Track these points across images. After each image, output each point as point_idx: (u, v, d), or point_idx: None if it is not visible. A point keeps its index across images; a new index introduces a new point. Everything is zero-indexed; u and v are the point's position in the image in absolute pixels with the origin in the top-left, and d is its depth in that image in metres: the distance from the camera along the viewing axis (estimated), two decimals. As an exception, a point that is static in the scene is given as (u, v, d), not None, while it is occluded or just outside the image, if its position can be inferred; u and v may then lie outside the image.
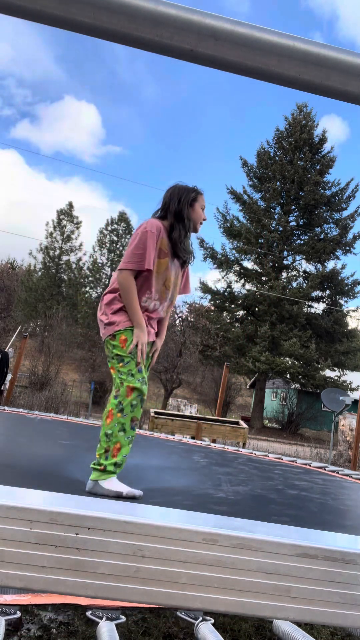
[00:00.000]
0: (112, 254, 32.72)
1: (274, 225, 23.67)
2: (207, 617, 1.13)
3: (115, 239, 32.74)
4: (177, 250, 2.31)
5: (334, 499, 3.36)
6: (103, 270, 32.85)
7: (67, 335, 23.35)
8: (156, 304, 2.36)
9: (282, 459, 5.47)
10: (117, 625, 1.01)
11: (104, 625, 0.99)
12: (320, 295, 24.32)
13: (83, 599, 1.03)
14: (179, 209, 2.27)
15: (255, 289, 23.48)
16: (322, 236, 23.75)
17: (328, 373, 23.11)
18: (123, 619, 1.06)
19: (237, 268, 23.96)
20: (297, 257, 24.31)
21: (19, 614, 0.99)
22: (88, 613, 1.05)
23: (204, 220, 2.41)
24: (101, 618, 1.02)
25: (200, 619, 1.11)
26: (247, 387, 29.02)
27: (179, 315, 24.01)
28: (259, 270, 23.68)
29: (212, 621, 1.12)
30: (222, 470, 3.94)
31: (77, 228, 33.80)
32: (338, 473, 4.85)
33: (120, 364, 2.19)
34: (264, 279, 23.65)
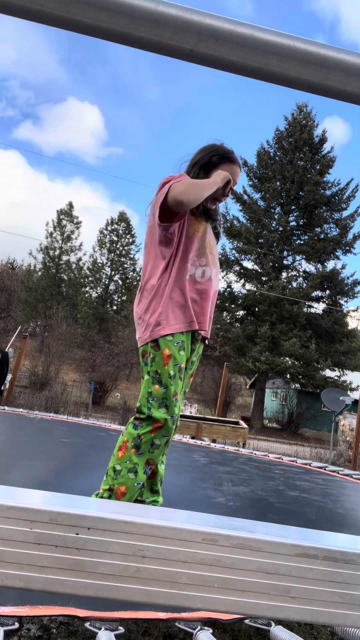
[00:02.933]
0: (112, 254, 32.72)
1: (274, 225, 23.65)
2: (205, 627, 1.13)
3: (115, 239, 32.76)
4: (209, 211, 1.85)
5: (334, 501, 3.36)
6: (103, 270, 32.85)
7: (67, 335, 23.34)
8: (206, 270, 1.80)
9: (282, 459, 5.47)
10: (116, 636, 1.01)
11: (103, 635, 0.99)
12: (320, 295, 24.30)
13: (81, 610, 1.03)
14: (206, 160, 1.84)
15: (255, 289, 23.47)
16: (322, 236, 23.73)
17: (328, 373, 23.09)
18: (122, 630, 1.06)
19: (237, 268, 23.95)
20: (297, 257, 24.30)
21: (17, 625, 0.99)
22: (87, 624, 1.04)
23: (226, 196, 1.84)
24: (100, 629, 1.02)
25: (199, 628, 1.12)
26: (247, 387, 29.01)
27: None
28: (259, 270, 23.67)
29: (211, 631, 1.12)
30: (223, 469, 3.94)
31: (77, 228, 33.81)
32: (338, 473, 4.84)
33: (156, 386, 1.71)
34: (264, 279, 23.64)
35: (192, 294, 1.78)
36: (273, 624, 1.20)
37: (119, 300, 33.42)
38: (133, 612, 1.14)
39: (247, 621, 1.22)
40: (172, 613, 1.17)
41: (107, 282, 33.17)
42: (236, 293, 23.88)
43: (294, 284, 23.84)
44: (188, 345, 1.78)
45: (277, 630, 1.17)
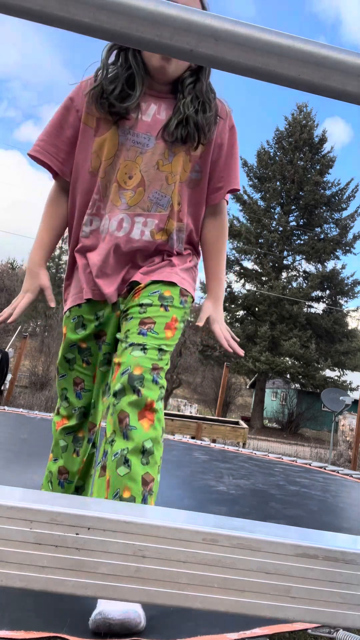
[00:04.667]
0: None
1: (274, 225, 23.68)
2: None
3: (115, 239, 32.74)
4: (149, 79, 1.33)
5: (334, 496, 3.36)
6: (103, 270, 32.82)
7: (67, 335, 23.27)
8: (99, 220, 1.39)
9: (282, 459, 5.47)
10: None
11: None
12: (320, 295, 24.32)
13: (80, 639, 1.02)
14: None
15: (255, 289, 23.49)
16: (322, 236, 23.75)
17: (328, 373, 23.11)
18: None
19: (237, 268, 23.97)
20: (297, 257, 24.32)
21: None
22: None
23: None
24: None
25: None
26: (247, 387, 29.02)
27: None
28: (259, 270, 23.68)
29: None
30: (223, 465, 3.94)
31: (77, 228, 33.79)
32: (338, 473, 4.85)
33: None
34: (264, 279, 23.66)
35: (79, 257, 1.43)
36: (335, 632, 1.19)
37: (119, 300, 33.36)
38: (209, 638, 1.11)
39: (309, 631, 1.21)
40: (240, 632, 1.15)
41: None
42: (236, 293, 23.90)
43: (294, 284, 23.86)
44: (89, 318, 1.39)
45: (341, 634, 1.17)
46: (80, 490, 1.49)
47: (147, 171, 1.33)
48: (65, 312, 1.47)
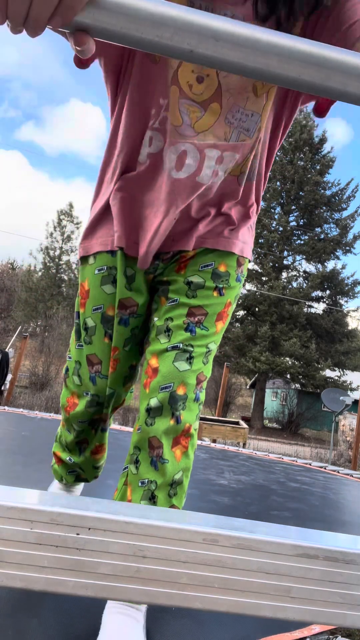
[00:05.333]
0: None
1: (274, 225, 23.66)
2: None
3: (115, 239, 32.70)
4: None
5: (335, 493, 3.36)
6: (103, 271, 32.78)
7: (67, 335, 23.33)
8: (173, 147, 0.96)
9: (282, 459, 5.47)
10: None
11: None
12: (320, 295, 24.30)
13: None
14: None
15: (255, 289, 23.48)
16: (322, 236, 23.74)
17: (328, 373, 23.10)
18: None
19: (237, 268, 23.93)
20: (297, 257, 24.30)
21: None
22: None
23: None
24: None
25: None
26: (247, 387, 29.01)
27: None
28: (259, 270, 23.67)
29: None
30: (224, 463, 3.95)
31: (78, 228, 33.81)
32: (339, 472, 4.85)
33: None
34: (264, 279, 23.65)
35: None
36: (334, 639, 1.18)
37: (119, 300, 33.31)
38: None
39: (307, 639, 1.21)
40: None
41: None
42: (236, 293, 23.86)
43: (294, 284, 23.84)
44: (121, 274, 1.04)
45: None
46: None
47: (226, 75, 0.88)
48: (86, 258, 1.08)
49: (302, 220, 23.93)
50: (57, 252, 33.59)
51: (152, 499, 0.97)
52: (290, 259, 24.32)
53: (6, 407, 7.20)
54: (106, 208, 1.06)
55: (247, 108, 0.93)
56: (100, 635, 0.96)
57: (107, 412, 1.18)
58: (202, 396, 1.04)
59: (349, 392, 18.96)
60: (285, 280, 23.75)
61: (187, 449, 1.01)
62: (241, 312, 24.15)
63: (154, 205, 0.98)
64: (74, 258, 33.69)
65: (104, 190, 1.07)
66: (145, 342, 1.07)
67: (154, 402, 0.97)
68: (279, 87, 0.98)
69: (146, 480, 0.99)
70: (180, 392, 0.97)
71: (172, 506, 1.00)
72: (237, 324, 23.74)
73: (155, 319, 1.03)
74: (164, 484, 0.99)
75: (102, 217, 1.07)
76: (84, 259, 1.10)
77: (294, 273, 24.58)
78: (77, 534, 0.36)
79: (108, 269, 1.04)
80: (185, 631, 1.16)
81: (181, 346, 0.98)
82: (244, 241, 1.10)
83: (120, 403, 1.19)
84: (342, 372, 23.39)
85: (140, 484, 0.99)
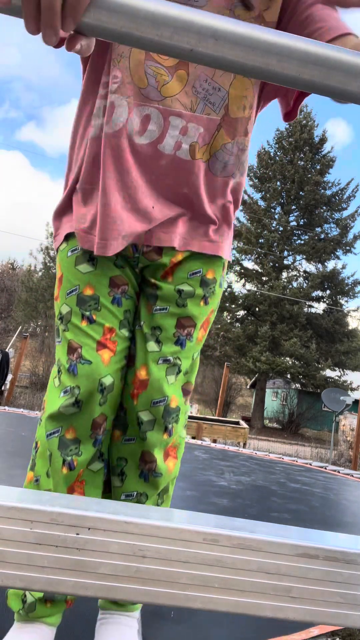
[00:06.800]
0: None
1: (274, 225, 23.66)
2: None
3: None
4: None
5: (336, 494, 3.36)
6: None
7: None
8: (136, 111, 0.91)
9: (283, 459, 5.47)
10: None
11: None
12: (320, 295, 24.30)
13: None
14: None
15: (255, 289, 23.48)
16: (322, 236, 23.74)
17: (328, 373, 23.10)
18: None
19: (238, 268, 23.95)
20: (298, 257, 24.30)
21: None
22: None
23: None
24: None
25: None
26: (248, 387, 29.00)
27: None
28: (260, 270, 23.67)
29: None
30: (224, 463, 3.94)
31: (78, 228, 33.79)
32: (339, 472, 4.84)
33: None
34: (264, 279, 23.65)
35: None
36: None
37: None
38: None
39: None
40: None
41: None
42: (236, 293, 23.89)
43: (295, 284, 23.84)
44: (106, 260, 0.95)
45: None
46: None
47: None
48: (60, 245, 1.01)
49: (302, 220, 23.93)
50: (53, 253, 33.56)
51: None
52: (290, 258, 24.33)
53: (6, 407, 7.20)
54: (75, 183, 0.99)
55: (214, 79, 0.89)
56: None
57: (103, 412, 0.96)
58: (188, 407, 1.02)
59: (349, 392, 18.97)
60: (285, 280, 23.74)
61: (176, 457, 1.00)
62: (241, 312, 24.15)
63: (115, 184, 0.90)
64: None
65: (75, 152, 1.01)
66: (130, 348, 0.99)
67: (146, 416, 0.94)
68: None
69: (134, 493, 0.97)
70: (173, 405, 0.96)
71: None
72: (237, 324, 23.74)
73: (142, 325, 0.98)
74: (154, 495, 0.98)
75: (69, 199, 1.02)
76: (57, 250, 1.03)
77: (294, 273, 24.58)
78: (77, 534, 0.36)
79: (82, 248, 0.95)
80: (181, 634, 1.15)
81: (172, 360, 0.96)
82: (228, 243, 1.04)
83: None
84: (342, 372, 23.39)
85: (123, 497, 0.97)
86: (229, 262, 1.07)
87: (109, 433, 0.99)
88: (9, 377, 9.65)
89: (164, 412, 0.94)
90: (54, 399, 0.93)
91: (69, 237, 0.98)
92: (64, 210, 1.01)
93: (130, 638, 0.95)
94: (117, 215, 0.90)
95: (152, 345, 0.96)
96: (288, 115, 1.01)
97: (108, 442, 1.00)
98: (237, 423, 8.81)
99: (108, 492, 1.04)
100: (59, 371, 0.96)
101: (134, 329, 1.00)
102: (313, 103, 24.62)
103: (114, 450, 0.99)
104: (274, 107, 1.14)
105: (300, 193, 23.46)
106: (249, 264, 24.17)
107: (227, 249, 1.03)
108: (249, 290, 23.63)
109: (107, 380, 0.92)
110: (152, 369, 0.94)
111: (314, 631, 1.23)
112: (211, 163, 0.94)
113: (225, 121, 0.92)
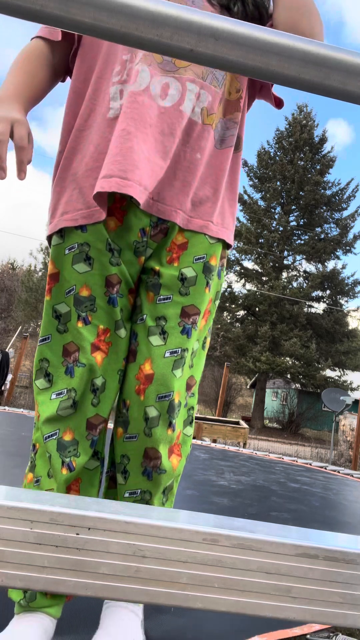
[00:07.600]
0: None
1: (274, 225, 23.67)
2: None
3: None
4: None
5: (336, 494, 3.36)
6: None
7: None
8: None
9: (283, 459, 5.47)
10: None
11: None
12: (320, 295, 24.30)
13: None
14: None
15: (255, 289, 23.48)
16: (322, 236, 23.74)
17: (328, 373, 23.10)
18: None
19: (238, 268, 23.96)
20: (298, 257, 24.30)
21: None
22: None
23: None
24: None
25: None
26: (248, 387, 29.01)
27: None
28: (260, 270, 23.68)
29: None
30: (224, 463, 3.94)
31: (78, 228, 33.78)
32: (339, 472, 4.85)
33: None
34: (264, 279, 23.65)
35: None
36: (334, 636, 1.18)
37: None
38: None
39: (308, 636, 1.21)
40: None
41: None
42: (236, 293, 23.89)
43: (295, 284, 23.84)
44: (99, 249, 0.94)
45: (341, 639, 1.17)
46: None
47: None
48: (53, 237, 0.99)
49: (302, 220, 23.93)
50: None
51: None
52: (290, 258, 24.33)
53: (6, 407, 7.20)
54: (70, 158, 1.01)
55: None
56: (99, 627, 0.96)
57: (101, 414, 0.97)
58: (193, 401, 1.01)
59: (349, 392, 18.96)
60: (285, 280, 23.75)
61: (181, 456, 0.99)
62: (241, 312, 24.15)
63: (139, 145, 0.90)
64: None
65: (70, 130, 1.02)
66: (132, 343, 0.98)
67: (152, 411, 0.92)
68: None
69: (138, 490, 0.96)
70: (177, 399, 0.94)
71: None
72: (237, 323, 23.74)
73: (145, 317, 0.95)
74: (158, 493, 0.97)
75: (64, 175, 1.02)
76: (49, 240, 1.02)
77: (294, 273, 24.58)
78: (77, 534, 0.36)
79: (80, 247, 0.94)
80: (183, 625, 1.16)
81: (179, 352, 0.94)
82: (233, 223, 1.06)
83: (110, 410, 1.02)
84: (342, 372, 23.39)
85: (127, 494, 0.97)
86: (228, 259, 1.09)
87: (105, 431, 1.00)
88: (9, 377, 9.65)
89: (169, 407, 0.93)
90: (46, 401, 0.94)
91: (64, 231, 0.97)
92: (58, 195, 1.01)
93: (135, 628, 0.95)
94: (139, 158, 0.89)
95: (156, 339, 0.94)
96: (278, 106, 1.13)
97: (104, 440, 1.01)
98: (237, 423, 8.81)
99: (114, 488, 1.04)
100: (46, 373, 0.95)
101: (131, 325, 0.99)
102: (313, 103, 24.64)
103: (117, 447, 0.99)
104: (273, 107, 1.16)
105: (300, 193, 23.46)
106: (249, 264, 24.18)
107: (230, 233, 1.04)
108: (249, 290, 23.63)
109: (99, 381, 0.94)
110: (158, 363, 0.93)
111: (315, 625, 1.23)
112: (214, 132, 1.00)
113: (223, 98, 1.01)
